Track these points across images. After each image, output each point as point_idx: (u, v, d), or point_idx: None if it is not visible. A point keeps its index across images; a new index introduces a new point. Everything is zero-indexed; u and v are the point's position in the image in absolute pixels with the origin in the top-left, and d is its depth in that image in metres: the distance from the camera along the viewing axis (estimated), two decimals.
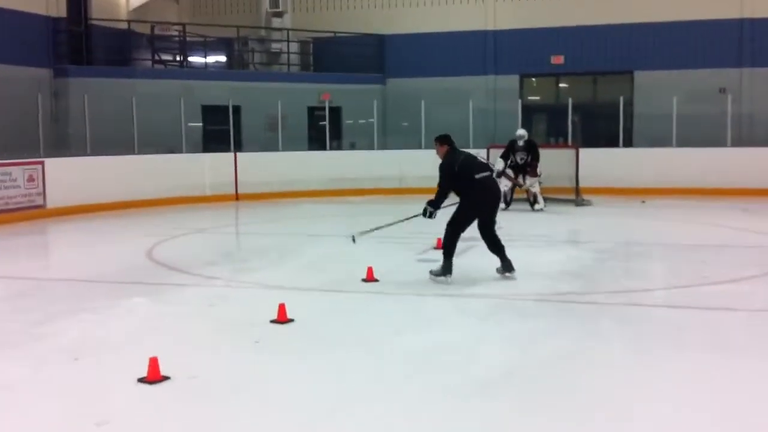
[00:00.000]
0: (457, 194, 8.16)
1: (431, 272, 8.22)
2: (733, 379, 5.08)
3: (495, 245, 8.29)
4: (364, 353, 5.77)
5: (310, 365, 5.45)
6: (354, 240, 8.90)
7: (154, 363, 5.11)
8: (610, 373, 5.27)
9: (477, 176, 7.97)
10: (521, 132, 15.39)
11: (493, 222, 8.29)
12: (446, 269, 8.13)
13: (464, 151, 8.40)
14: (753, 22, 19.55)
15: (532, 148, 15.02)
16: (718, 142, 18.16)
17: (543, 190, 15.75)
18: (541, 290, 7.83)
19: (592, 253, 10.05)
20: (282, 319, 6.54)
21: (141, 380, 5.04)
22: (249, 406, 4.69)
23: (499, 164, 15.27)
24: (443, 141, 8.32)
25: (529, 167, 14.87)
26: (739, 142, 18.53)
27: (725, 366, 5.36)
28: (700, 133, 18.26)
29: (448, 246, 8.16)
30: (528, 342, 6.06)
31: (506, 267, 8.26)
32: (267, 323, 6.48)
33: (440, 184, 8.13)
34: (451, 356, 5.65)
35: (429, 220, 8.23)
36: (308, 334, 6.26)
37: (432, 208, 8.14)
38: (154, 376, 5.08)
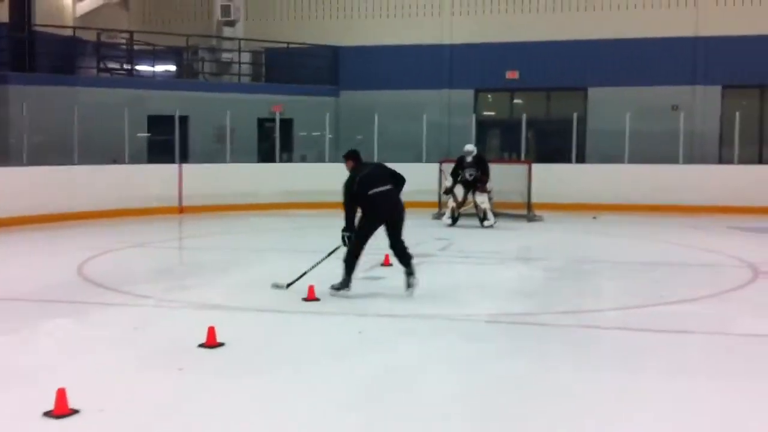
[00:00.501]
0: (361, 209, 8.17)
1: (331, 286, 8.05)
2: (691, 405, 4.78)
3: (401, 255, 8.17)
4: (297, 381, 5.35)
5: (236, 395, 5.00)
6: (286, 287, 8.27)
7: (61, 395, 4.62)
8: (563, 399, 4.93)
9: (371, 192, 8.00)
10: (470, 147, 15.12)
11: (396, 235, 8.16)
12: (344, 284, 8.05)
13: (371, 165, 8.59)
14: (706, 40, 19.60)
15: (481, 164, 14.74)
16: (670, 159, 18.13)
17: (495, 205, 15.50)
18: (491, 310, 7.49)
19: (543, 272, 9.76)
20: (211, 343, 6.08)
21: (47, 414, 4.55)
22: None
23: (448, 181, 15.03)
24: (349, 156, 8.39)
25: (479, 183, 14.58)
26: (690, 159, 18.52)
27: (682, 390, 5.06)
28: (653, 149, 18.23)
29: (348, 261, 8.10)
30: (476, 366, 5.70)
31: (408, 277, 8.06)
32: (194, 348, 6.01)
33: (344, 203, 8.19)
34: (393, 383, 5.27)
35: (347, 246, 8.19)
36: (238, 360, 5.82)
37: (347, 233, 8.13)
38: (61, 410, 4.58)
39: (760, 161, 19.58)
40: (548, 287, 8.87)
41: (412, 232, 13.83)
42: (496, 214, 14.75)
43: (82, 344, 6.35)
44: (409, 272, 8.07)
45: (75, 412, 4.57)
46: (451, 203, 14.85)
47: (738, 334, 6.64)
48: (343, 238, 8.17)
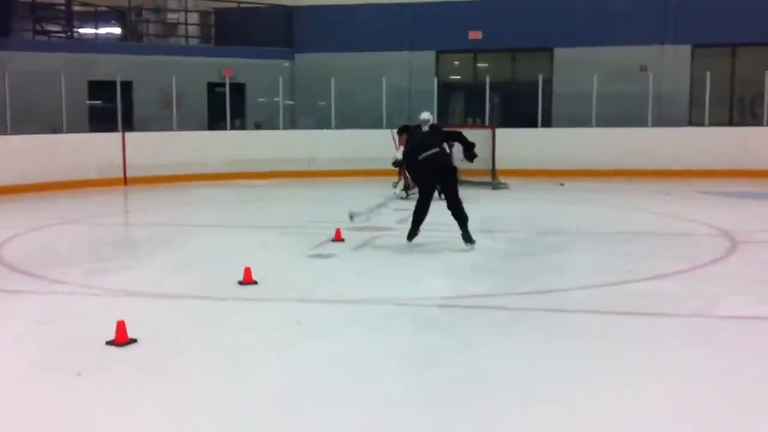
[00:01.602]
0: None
1: (407, 237, 8.89)
2: (681, 405, 4.03)
3: (457, 215, 8.72)
4: (219, 383, 4.53)
5: (141, 407, 4.16)
6: (352, 218, 9.23)
7: None
8: (526, 399, 4.17)
9: (420, 157, 8.75)
10: (425, 116, 13.73)
11: (451, 193, 8.75)
12: (411, 234, 8.87)
13: (423, 132, 9.18)
14: None
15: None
16: (638, 121, 17.49)
17: (460, 172, 14.74)
18: (447, 292, 6.73)
19: (506, 245, 9.02)
20: (120, 340, 5.22)
21: None
22: None
23: (400, 153, 13.92)
24: (401, 132, 9.65)
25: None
26: (660, 121, 17.89)
27: (667, 389, 4.30)
28: (621, 112, 17.57)
29: (415, 215, 8.89)
30: (428, 361, 4.93)
31: (465, 238, 8.59)
32: (101, 346, 5.15)
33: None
34: (330, 385, 4.46)
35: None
36: (149, 361, 4.96)
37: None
38: None
39: (731, 123, 18.99)
40: (511, 263, 8.11)
41: (370, 202, 13.12)
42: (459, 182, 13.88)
43: None
44: (465, 236, 8.58)
45: None
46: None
47: (721, 316, 5.92)
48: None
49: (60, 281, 7.19)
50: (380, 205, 9.97)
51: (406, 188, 13.27)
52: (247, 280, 6.94)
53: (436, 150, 8.77)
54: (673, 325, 5.73)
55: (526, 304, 6.35)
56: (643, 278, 7.16)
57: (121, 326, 5.28)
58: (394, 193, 13.57)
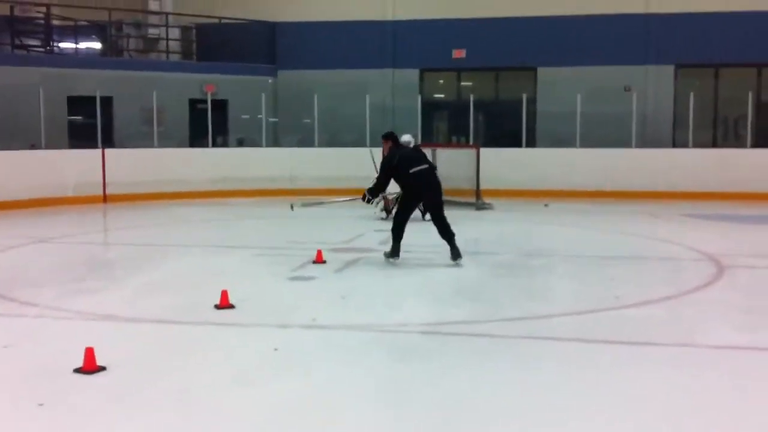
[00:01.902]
0: (400, 186, 9.12)
1: (384, 253, 9.00)
2: None
3: (443, 232, 8.85)
4: (190, 416, 4.31)
5: None
6: (292, 208, 9.81)
7: None
8: (508, 429, 4.00)
9: (411, 170, 8.73)
10: (406, 138, 13.47)
11: (437, 209, 8.90)
12: (393, 252, 8.89)
13: (408, 147, 9.63)
14: (659, 17, 18.88)
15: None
16: (622, 142, 17.43)
17: (444, 192, 14.61)
18: (429, 318, 6.53)
19: (490, 268, 8.86)
20: (89, 368, 5.00)
21: None
22: None
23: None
24: (387, 137, 9.36)
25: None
26: (644, 142, 17.86)
27: (642, 422, 4.14)
28: (605, 132, 17.53)
29: (394, 231, 8.92)
30: (406, 391, 4.74)
31: (453, 254, 8.73)
32: (68, 374, 4.94)
33: (378, 177, 9.13)
34: (308, 414, 4.27)
35: (366, 204, 9.49)
36: (119, 391, 4.73)
37: (369, 195, 9.18)
38: None
39: (714, 144, 19.00)
40: (496, 287, 7.95)
41: (353, 222, 12.97)
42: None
43: None
44: (453, 252, 8.71)
45: None
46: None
47: (711, 346, 5.76)
48: (364, 195, 9.18)
49: (30, 303, 6.96)
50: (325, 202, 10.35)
51: (386, 210, 13.03)
52: (224, 304, 6.73)
53: (425, 166, 8.88)
54: (659, 354, 5.57)
55: (509, 331, 6.18)
56: (630, 305, 7.02)
57: (89, 353, 5.06)
58: (374, 213, 13.44)
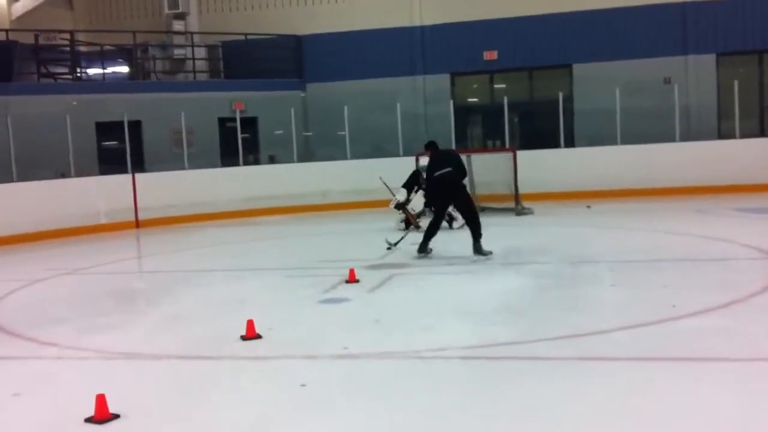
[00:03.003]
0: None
1: (417, 251, 9.86)
2: None
3: (472, 226, 9.57)
4: None
5: None
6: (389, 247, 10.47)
7: None
8: None
9: (435, 174, 9.73)
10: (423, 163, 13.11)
11: (465, 206, 9.76)
12: (421, 248, 9.83)
13: (443, 151, 10.44)
14: (697, 5, 18.15)
15: None
16: (665, 137, 16.73)
17: (480, 198, 14.15)
18: (470, 340, 6.04)
19: (534, 279, 8.31)
20: (100, 416, 4.61)
21: None
22: None
23: (400, 194, 13.01)
24: (427, 147, 10.40)
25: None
26: (687, 135, 17.14)
27: None
28: (646, 128, 16.85)
29: (427, 230, 9.92)
30: (447, 430, 4.26)
31: (475, 249, 9.49)
32: (79, 424, 4.55)
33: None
34: None
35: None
36: None
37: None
38: None
39: (762, 134, 18.18)
40: (541, 301, 7.41)
41: (386, 236, 12.55)
42: (483, 208, 13.27)
43: None
44: (475, 247, 9.48)
45: None
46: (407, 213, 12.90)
47: None
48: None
49: (50, 343, 6.61)
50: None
51: (407, 223, 12.68)
52: (250, 335, 6.32)
53: (448, 169, 9.64)
54: (727, 371, 5.02)
55: (560, 352, 5.66)
56: (688, 314, 6.44)
57: (100, 401, 4.67)
58: (394, 225, 13.12)
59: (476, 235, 9.52)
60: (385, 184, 13.73)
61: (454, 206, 10.30)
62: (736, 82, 16.44)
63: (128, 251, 13.46)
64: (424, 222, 12.45)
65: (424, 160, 14.32)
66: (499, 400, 4.69)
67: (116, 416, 4.65)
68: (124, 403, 4.76)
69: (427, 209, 11.51)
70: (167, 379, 5.52)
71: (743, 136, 16.59)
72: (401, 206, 12.95)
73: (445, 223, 12.17)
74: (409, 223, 12.60)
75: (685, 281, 7.90)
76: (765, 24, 17.61)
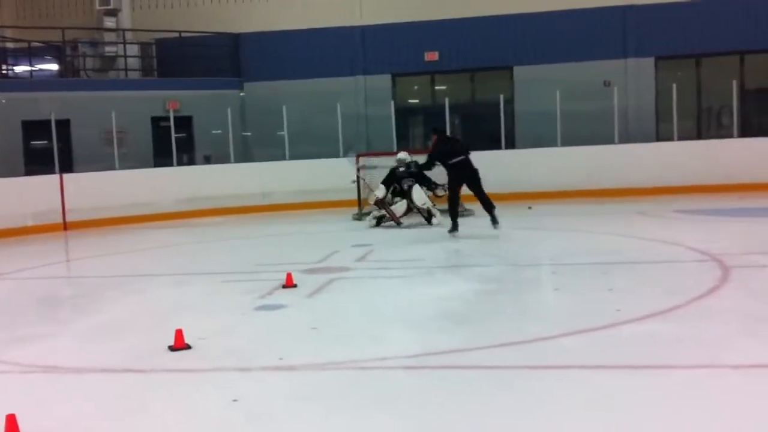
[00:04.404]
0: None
1: (449, 231, 11.48)
2: None
3: (484, 204, 11.44)
4: None
5: None
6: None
7: None
8: None
9: (450, 162, 11.37)
10: (402, 156, 13.52)
11: (476, 190, 11.45)
12: (453, 227, 11.50)
13: (452, 140, 12.36)
14: (637, 8, 18.27)
15: (417, 175, 13.20)
16: (605, 139, 16.78)
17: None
18: (413, 349, 5.76)
19: (477, 284, 8.08)
20: None
21: None
22: None
23: (380, 191, 13.27)
24: (434, 132, 12.11)
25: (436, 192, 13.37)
26: (626, 137, 17.24)
27: None
28: (586, 130, 16.89)
29: (450, 210, 11.64)
30: None
31: (493, 221, 11.31)
32: None
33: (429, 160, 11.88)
34: None
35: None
36: None
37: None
38: None
39: (699, 136, 18.40)
40: (485, 306, 7.20)
41: (328, 237, 12.28)
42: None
43: None
44: (492, 220, 11.34)
45: None
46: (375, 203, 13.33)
47: (733, 365, 5.04)
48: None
49: None
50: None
51: (379, 221, 13.18)
52: (179, 345, 5.94)
53: (463, 157, 11.31)
54: (678, 379, 4.85)
55: (502, 360, 5.44)
56: (633, 318, 6.29)
57: (11, 421, 4.25)
58: (367, 220, 13.52)
59: (491, 209, 11.33)
60: (362, 179, 14.39)
61: (470, 188, 11.46)
62: (674, 85, 16.58)
63: (56, 255, 12.84)
64: (407, 220, 13.29)
65: (367, 160, 14.57)
66: (446, 411, 4.43)
67: None
68: (36, 424, 4.36)
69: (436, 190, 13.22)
70: (87, 396, 5.11)
71: (681, 138, 16.74)
72: (381, 203, 13.01)
73: (423, 220, 13.05)
74: (381, 220, 13.12)
75: (630, 285, 7.77)
76: (703, 28, 17.82)
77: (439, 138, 11.83)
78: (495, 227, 11.18)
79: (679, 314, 6.41)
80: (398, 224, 13.03)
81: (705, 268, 8.27)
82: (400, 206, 13.18)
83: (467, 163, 11.35)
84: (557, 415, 4.30)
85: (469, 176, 11.35)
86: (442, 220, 12.58)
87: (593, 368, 5.15)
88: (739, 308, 6.55)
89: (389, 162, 13.82)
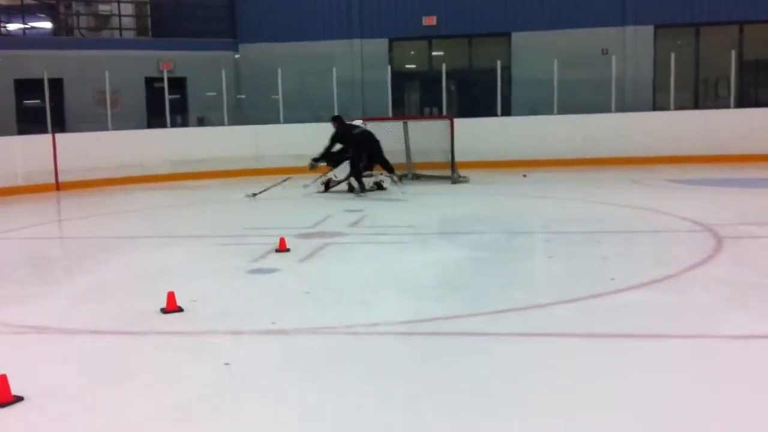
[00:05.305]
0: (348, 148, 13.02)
1: (355, 194, 12.52)
2: None
3: (385, 168, 13.24)
4: None
5: None
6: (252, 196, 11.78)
7: None
8: None
9: (353, 132, 13.01)
10: (358, 123, 13.96)
11: (379, 156, 13.17)
12: (362, 188, 12.68)
13: (350, 124, 13.43)
14: None
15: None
16: (601, 107, 16.71)
17: (417, 166, 14.22)
18: (406, 315, 5.75)
19: (470, 251, 8.07)
20: (2, 399, 4.17)
21: None
22: None
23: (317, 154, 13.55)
24: (334, 119, 13.57)
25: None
26: (623, 106, 17.17)
27: None
28: (583, 98, 16.82)
29: (356, 177, 12.81)
30: (381, 409, 3.97)
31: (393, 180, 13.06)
32: None
33: (326, 147, 13.12)
34: None
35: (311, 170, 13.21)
36: (31, 426, 3.94)
37: (313, 162, 13.29)
38: None
39: (696, 106, 18.32)
40: (477, 273, 7.18)
41: (321, 202, 12.24)
42: (418, 176, 13.41)
43: None
44: (393, 178, 12.95)
45: None
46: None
47: (727, 336, 5.05)
48: (310, 163, 13.35)
49: None
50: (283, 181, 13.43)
51: (326, 185, 13.41)
52: (171, 308, 5.92)
53: (363, 128, 13.12)
54: (669, 348, 4.85)
55: (495, 327, 5.43)
56: (627, 287, 6.29)
57: (2, 382, 4.23)
58: (314, 185, 13.58)
59: (391, 169, 13.17)
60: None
61: (373, 157, 13.04)
62: (672, 55, 16.47)
63: (48, 215, 12.78)
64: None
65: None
66: (438, 379, 4.43)
67: (19, 399, 4.23)
68: (29, 384, 4.33)
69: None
70: (79, 357, 5.09)
71: (677, 108, 16.68)
72: (315, 163, 13.41)
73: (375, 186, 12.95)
74: (329, 185, 13.35)
75: (623, 253, 7.78)
76: None
77: (340, 122, 13.39)
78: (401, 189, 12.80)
79: (671, 283, 6.41)
80: (326, 188, 13.39)
81: (698, 237, 8.27)
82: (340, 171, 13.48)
83: (364, 133, 13.08)
84: (551, 382, 4.30)
85: (372, 145, 13.02)
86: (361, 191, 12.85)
87: (586, 336, 5.15)
88: (730, 279, 6.55)
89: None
